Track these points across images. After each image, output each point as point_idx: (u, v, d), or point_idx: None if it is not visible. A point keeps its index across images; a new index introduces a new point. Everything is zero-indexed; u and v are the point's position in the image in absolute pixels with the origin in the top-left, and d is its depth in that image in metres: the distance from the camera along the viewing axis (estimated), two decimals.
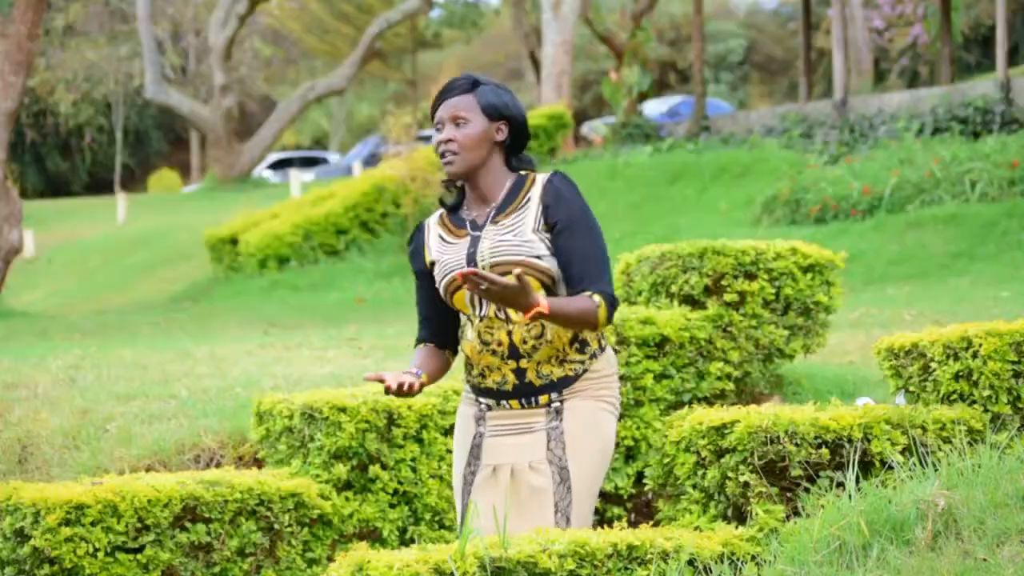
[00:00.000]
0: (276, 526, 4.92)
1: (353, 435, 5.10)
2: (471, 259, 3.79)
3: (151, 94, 31.29)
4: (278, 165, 40.25)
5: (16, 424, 6.90)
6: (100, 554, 4.55)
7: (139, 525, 4.64)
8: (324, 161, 40.99)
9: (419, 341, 4.00)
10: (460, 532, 3.85)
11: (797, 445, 4.28)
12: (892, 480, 4.08)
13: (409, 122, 20.58)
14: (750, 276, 5.95)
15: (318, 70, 43.29)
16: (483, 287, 3.54)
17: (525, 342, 3.79)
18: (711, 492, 4.49)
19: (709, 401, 5.88)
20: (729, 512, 4.42)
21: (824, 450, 4.26)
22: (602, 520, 5.75)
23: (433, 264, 3.89)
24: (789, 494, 4.30)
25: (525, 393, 3.84)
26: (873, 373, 6.79)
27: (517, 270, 3.54)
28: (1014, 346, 4.50)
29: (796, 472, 4.27)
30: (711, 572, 3.83)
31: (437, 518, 5.33)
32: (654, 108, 34.15)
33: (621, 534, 3.81)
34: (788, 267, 5.97)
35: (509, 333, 3.79)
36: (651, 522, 4.87)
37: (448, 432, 5.32)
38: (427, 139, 30.44)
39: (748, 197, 18.12)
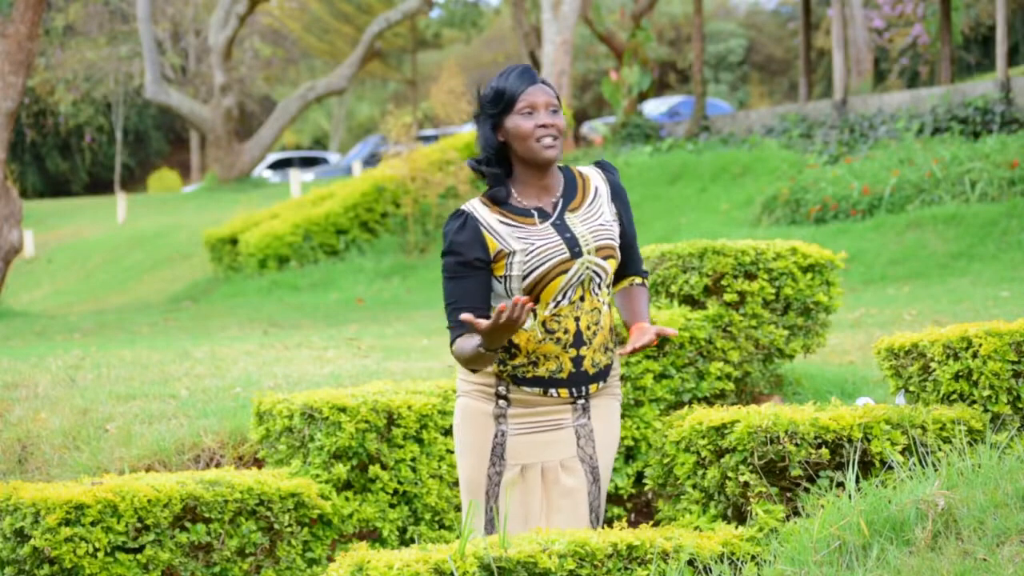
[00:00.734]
0: (276, 526, 4.92)
1: (353, 435, 5.10)
2: (572, 243, 3.78)
3: (151, 94, 31.29)
4: (278, 165, 40.24)
5: (16, 424, 6.90)
6: (100, 554, 4.55)
7: (139, 525, 4.64)
8: (324, 161, 40.99)
9: (456, 337, 3.79)
10: (485, 532, 3.84)
11: (797, 445, 4.28)
12: (892, 480, 4.08)
13: (409, 122, 20.55)
14: (750, 276, 5.95)
15: (318, 70, 43.29)
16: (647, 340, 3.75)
17: (589, 328, 3.83)
18: (711, 492, 4.49)
19: (709, 401, 5.88)
20: (729, 512, 4.42)
21: (824, 450, 4.26)
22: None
23: (504, 253, 3.76)
24: (789, 494, 4.30)
25: (577, 382, 3.83)
26: (873, 373, 6.79)
27: (671, 331, 3.78)
28: (1014, 346, 4.50)
29: (796, 472, 4.27)
30: (711, 572, 3.83)
31: (437, 518, 5.33)
32: (654, 108, 34.14)
33: (621, 534, 3.81)
34: (788, 267, 5.97)
35: (576, 320, 3.80)
36: (651, 522, 4.88)
37: (448, 432, 5.32)
38: (427, 139, 30.46)
39: (748, 197, 18.12)
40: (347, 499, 5.19)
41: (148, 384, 7.46)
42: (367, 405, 5.15)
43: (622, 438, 5.73)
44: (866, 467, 4.27)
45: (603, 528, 3.89)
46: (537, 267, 3.76)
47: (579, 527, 3.80)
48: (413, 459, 5.27)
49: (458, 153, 20.25)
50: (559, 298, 3.80)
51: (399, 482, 5.25)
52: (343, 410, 5.13)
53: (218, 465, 6.01)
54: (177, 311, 16.86)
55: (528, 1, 30.29)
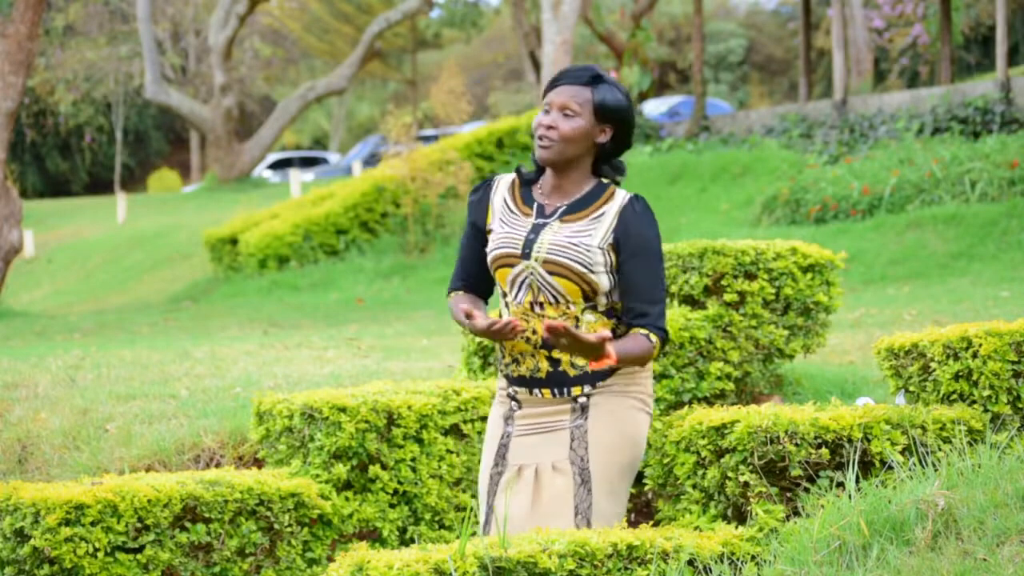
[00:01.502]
0: (276, 526, 4.92)
1: (353, 435, 5.10)
2: (528, 245, 3.79)
3: (151, 94, 31.29)
4: (278, 165, 40.24)
5: (16, 424, 6.90)
6: (100, 554, 4.54)
7: (139, 525, 4.64)
8: (324, 161, 40.99)
9: (453, 290, 3.97)
10: (483, 533, 3.85)
11: (797, 445, 4.28)
12: (892, 480, 4.08)
13: (409, 122, 20.54)
14: (750, 276, 5.95)
15: (318, 70, 43.29)
16: (563, 341, 3.54)
17: None
18: (711, 492, 4.49)
19: (709, 401, 5.87)
20: (729, 512, 4.42)
21: (824, 450, 4.26)
22: None
23: (490, 230, 3.89)
24: (789, 494, 4.31)
25: (559, 383, 3.83)
26: (873, 373, 6.79)
27: (605, 332, 3.53)
28: (1014, 346, 4.50)
29: (796, 472, 4.27)
30: (711, 572, 3.83)
31: (437, 518, 5.33)
32: (654, 108, 34.14)
33: (621, 534, 3.81)
34: (788, 267, 5.97)
35: (543, 320, 3.78)
36: (651, 522, 4.87)
37: (448, 432, 5.32)
38: (427, 139, 30.46)
39: (748, 197, 18.12)
40: (347, 499, 5.19)
41: (148, 384, 7.46)
42: (367, 405, 5.15)
43: None
44: (866, 467, 4.27)
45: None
46: (495, 250, 3.85)
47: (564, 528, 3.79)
48: (413, 459, 5.27)
49: (458, 153, 20.25)
50: (515, 293, 3.82)
51: (399, 482, 5.25)
52: (343, 410, 5.13)
53: (218, 465, 6.01)
54: (177, 311, 16.86)
55: (528, 1, 30.29)
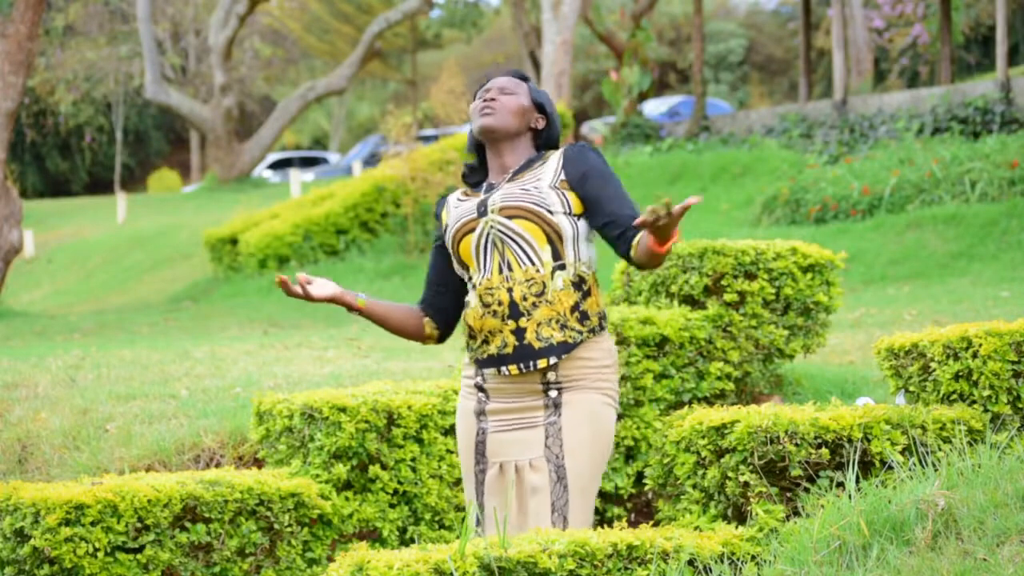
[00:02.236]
0: (276, 526, 4.92)
1: (353, 435, 5.10)
2: (482, 205, 3.90)
3: (151, 94, 31.28)
4: (278, 165, 40.23)
5: (16, 424, 6.90)
6: (100, 554, 4.55)
7: (139, 525, 4.64)
8: (324, 161, 40.98)
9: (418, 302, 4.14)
10: (475, 532, 3.86)
11: (797, 445, 4.28)
12: (892, 480, 4.08)
13: (409, 122, 20.54)
14: (750, 276, 5.95)
15: (318, 70, 43.28)
16: (660, 216, 3.50)
17: (525, 299, 3.84)
18: (711, 492, 4.49)
19: (709, 401, 5.88)
20: (729, 512, 4.42)
21: (824, 450, 4.26)
22: (602, 520, 5.75)
23: (446, 228, 3.99)
24: (789, 494, 4.31)
25: (524, 356, 3.85)
26: (873, 373, 6.79)
27: (692, 198, 3.51)
28: (1014, 346, 4.50)
29: (796, 472, 4.27)
30: (711, 572, 3.83)
31: (437, 518, 5.33)
32: (654, 108, 34.15)
33: (621, 534, 3.81)
34: (788, 267, 5.97)
35: (510, 291, 3.85)
36: (651, 522, 4.88)
37: (448, 432, 5.32)
38: (427, 139, 30.45)
39: (748, 197, 18.13)
40: (347, 499, 5.19)
41: (148, 384, 7.46)
42: (367, 405, 5.15)
43: (622, 438, 5.73)
44: (866, 467, 4.27)
45: (603, 528, 3.89)
46: (452, 226, 3.94)
47: (544, 526, 3.80)
48: (413, 459, 5.27)
49: (458, 153, 20.24)
50: (481, 262, 3.89)
51: (399, 482, 5.25)
52: (343, 410, 5.13)
53: (218, 465, 6.01)
54: (177, 311, 16.86)
55: (528, 1, 30.30)
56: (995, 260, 13.55)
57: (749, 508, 4.32)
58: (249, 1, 30.91)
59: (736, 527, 4.21)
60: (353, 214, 19.85)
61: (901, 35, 30.78)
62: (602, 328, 3.91)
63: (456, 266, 4.00)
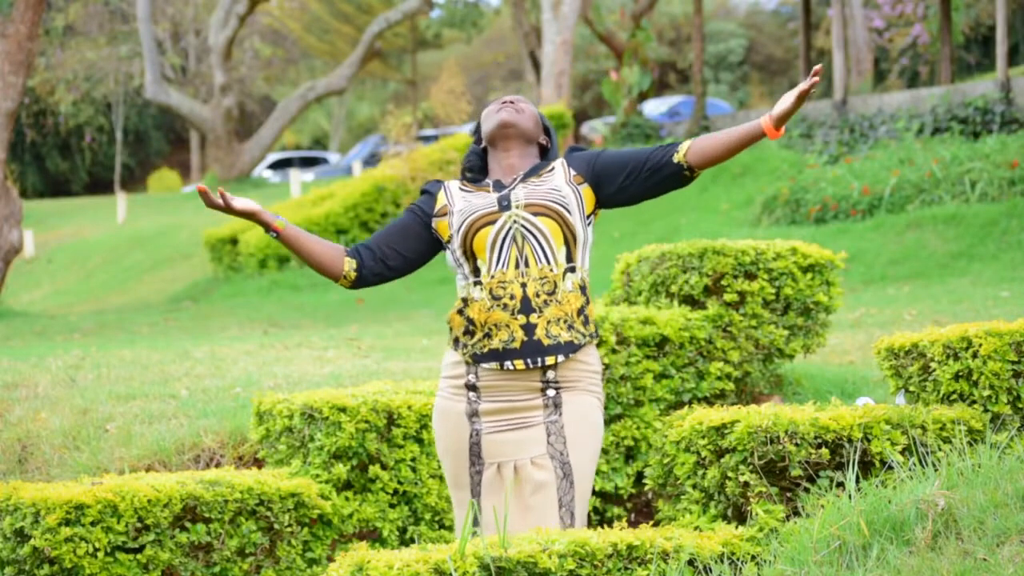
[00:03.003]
0: (276, 526, 4.92)
1: (353, 435, 5.10)
2: (504, 200, 3.93)
3: (151, 94, 31.27)
4: (278, 165, 40.22)
5: (16, 424, 6.90)
6: (100, 554, 4.55)
7: (139, 525, 4.64)
8: (324, 161, 40.97)
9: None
10: (481, 533, 3.86)
11: (797, 445, 4.28)
12: (892, 480, 4.08)
13: (409, 122, 20.55)
14: (750, 276, 5.95)
15: (318, 70, 43.27)
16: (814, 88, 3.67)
17: (538, 295, 3.87)
18: (711, 492, 4.49)
19: (709, 401, 5.88)
20: (729, 512, 4.42)
21: (824, 450, 4.26)
22: (602, 520, 5.75)
23: (446, 212, 3.98)
24: (789, 494, 4.30)
25: (532, 352, 3.87)
26: (873, 373, 6.79)
27: (806, 83, 3.67)
28: (1014, 346, 4.50)
29: (796, 472, 4.27)
30: (711, 572, 3.83)
31: (437, 518, 5.33)
32: (654, 108, 34.13)
33: (621, 534, 3.81)
34: (788, 267, 5.97)
35: (523, 286, 3.87)
36: (651, 522, 4.88)
37: None
38: (427, 139, 30.46)
39: (748, 197, 18.12)
40: (347, 499, 5.19)
41: (148, 384, 7.46)
42: (367, 405, 5.15)
43: (622, 438, 5.73)
44: (866, 467, 4.27)
45: (603, 528, 3.89)
46: (468, 215, 3.93)
47: (551, 524, 3.81)
48: (413, 459, 5.27)
49: (458, 153, 20.25)
50: (496, 256, 3.89)
51: (399, 482, 5.25)
52: (343, 410, 5.13)
53: (218, 465, 6.01)
54: (177, 311, 16.86)
55: (528, 1, 30.29)
56: (995, 260, 13.55)
57: (749, 508, 4.32)
58: (249, 1, 30.90)
59: (736, 527, 4.21)
60: (353, 214, 19.85)
61: (901, 35, 30.77)
62: (596, 335, 4.00)
63: (451, 256, 4.00)
